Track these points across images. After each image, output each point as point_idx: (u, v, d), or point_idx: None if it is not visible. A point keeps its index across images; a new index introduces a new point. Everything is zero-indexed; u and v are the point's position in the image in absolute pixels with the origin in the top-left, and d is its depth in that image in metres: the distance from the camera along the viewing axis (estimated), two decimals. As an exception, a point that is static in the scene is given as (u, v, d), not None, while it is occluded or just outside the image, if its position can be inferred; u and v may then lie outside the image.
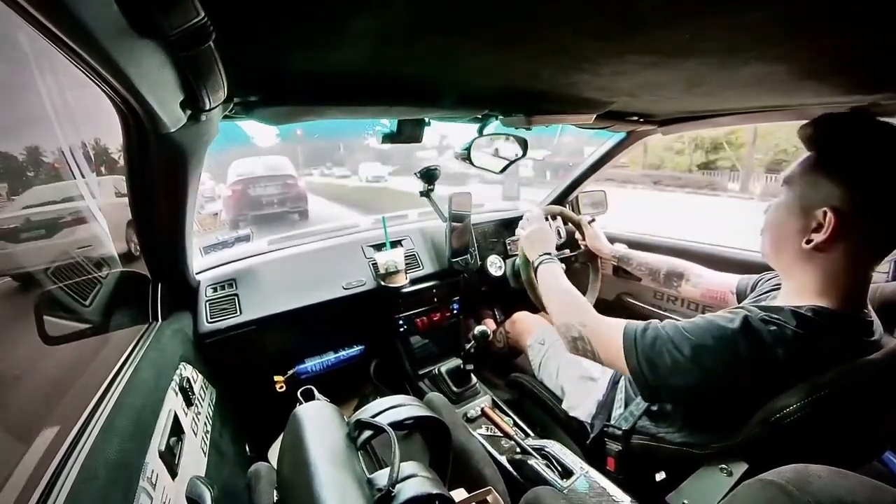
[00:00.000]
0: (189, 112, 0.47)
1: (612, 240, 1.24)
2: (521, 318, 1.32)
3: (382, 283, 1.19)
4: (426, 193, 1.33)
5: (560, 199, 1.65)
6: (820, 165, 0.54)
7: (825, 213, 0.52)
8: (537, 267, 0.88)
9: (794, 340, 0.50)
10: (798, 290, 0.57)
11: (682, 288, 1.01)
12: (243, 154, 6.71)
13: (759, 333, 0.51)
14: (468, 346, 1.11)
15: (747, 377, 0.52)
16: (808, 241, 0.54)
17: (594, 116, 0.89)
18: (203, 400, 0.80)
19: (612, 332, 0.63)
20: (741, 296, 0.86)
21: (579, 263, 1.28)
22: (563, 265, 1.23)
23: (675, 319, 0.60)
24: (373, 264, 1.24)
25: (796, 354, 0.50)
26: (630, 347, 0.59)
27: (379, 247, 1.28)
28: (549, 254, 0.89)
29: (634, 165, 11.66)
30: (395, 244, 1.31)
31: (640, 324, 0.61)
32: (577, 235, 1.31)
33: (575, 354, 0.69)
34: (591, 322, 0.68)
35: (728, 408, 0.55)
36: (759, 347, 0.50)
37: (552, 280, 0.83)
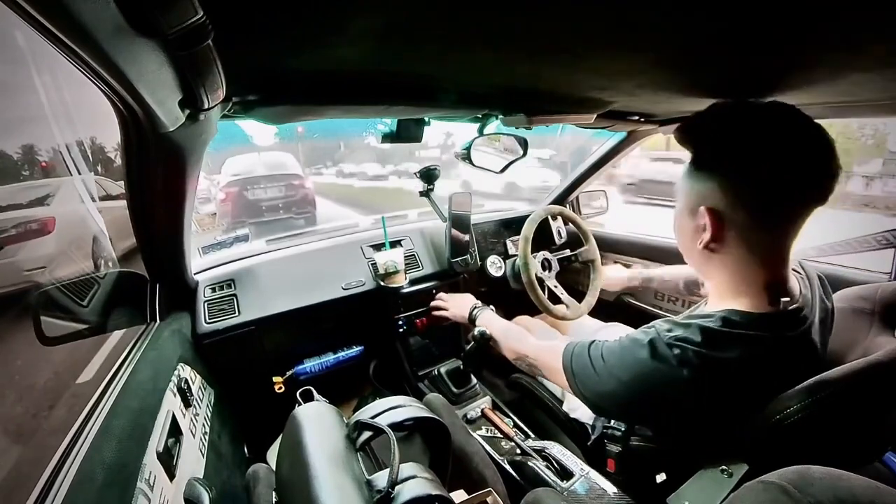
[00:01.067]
0: (188, 111, 0.47)
1: (614, 242, 1.24)
2: (522, 320, 1.32)
3: (382, 283, 1.19)
4: (426, 193, 1.33)
5: (560, 200, 1.65)
6: (693, 165, 0.55)
7: (704, 213, 0.52)
8: (475, 319, 0.98)
9: (696, 359, 0.50)
10: (717, 292, 0.58)
11: (703, 291, 1.03)
12: (243, 153, 5.85)
13: (665, 358, 0.51)
14: (468, 346, 1.11)
15: (668, 399, 0.52)
16: (701, 242, 0.54)
17: (595, 116, 0.89)
18: (201, 401, 0.80)
19: (552, 356, 0.67)
20: None
21: (579, 263, 1.28)
22: (559, 267, 1.24)
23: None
24: (372, 264, 1.24)
25: (703, 371, 0.50)
26: (568, 370, 0.62)
27: (378, 247, 1.28)
28: (476, 305, 1.02)
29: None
30: (395, 244, 1.31)
31: (575, 346, 0.64)
32: (557, 227, 1.33)
33: (535, 376, 0.76)
34: (533, 352, 0.75)
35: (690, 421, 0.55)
36: (667, 371, 0.51)
37: (490, 324, 0.93)
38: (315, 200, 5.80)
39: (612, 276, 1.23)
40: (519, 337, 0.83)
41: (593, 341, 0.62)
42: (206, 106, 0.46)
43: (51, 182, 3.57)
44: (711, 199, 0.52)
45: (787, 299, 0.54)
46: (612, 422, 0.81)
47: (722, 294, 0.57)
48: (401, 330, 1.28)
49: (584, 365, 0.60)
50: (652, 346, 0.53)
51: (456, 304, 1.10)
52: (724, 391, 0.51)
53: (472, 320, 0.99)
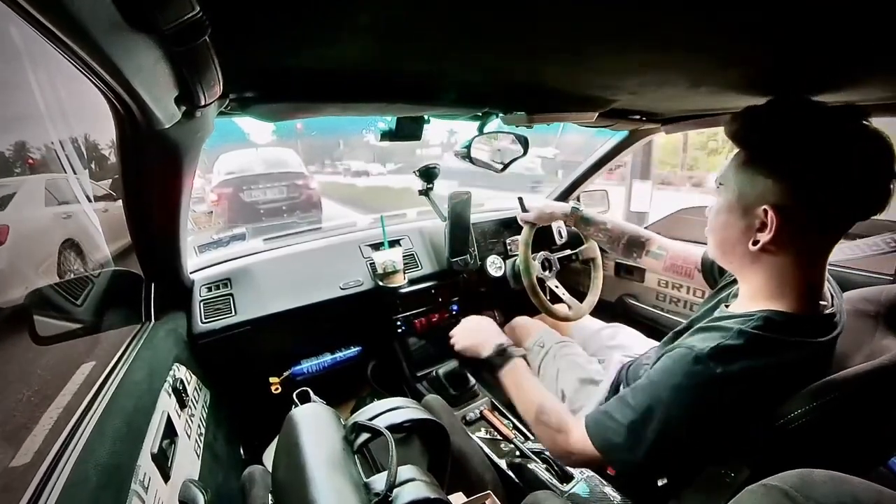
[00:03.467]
0: (184, 108, 0.47)
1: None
2: (521, 322, 1.32)
3: (380, 283, 1.19)
4: (425, 192, 1.33)
5: (561, 199, 1.65)
6: (752, 161, 0.54)
7: (766, 212, 0.51)
8: (500, 367, 0.77)
9: (740, 369, 0.48)
10: (752, 293, 0.57)
11: (642, 259, 0.98)
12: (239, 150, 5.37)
13: (709, 375, 0.49)
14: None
15: (713, 415, 0.51)
16: (755, 242, 0.53)
17: (596, 115, 0.89)
18: (197, 402, 0.80)
19: (583, 443, 0.58)
20: (706, 271, 0.84)
21: (580, 263, 1.29)
22: (559, 266, 1.24)
23: (678, 320, 0.60)
24: (371, 264, 1.23)
25: (749, 381, 0.49)
26: (605, 447, 0.56)
27: (377, 246, 1.28)
28: (502, 345, 0.79)
29: (664, 166, 10.42)
30: (394, 244, 1.31)
31: (597, 417, 0.58)
32: (557, 227, 1.29)
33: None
34: (567, 444, 0.62)
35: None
36: (714, 387, 0.49)
37: (518, 391, 0.73)
38: (321, 202, 5.25)
39: (538, 206, 1.09)
40: (552, 430, 0.65)
41: (605, 405, 0.58)
42: (202, 103, 0.46)
43: (9, 182, 3.10)
44: (774, 197, 0.51)
45: (825, 303, 0.54)
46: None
47: (756, 295, 0.56)
48: (399, 330, 1.28)
49: (618, 427, 0.54)
50: (691, 367, 0.50)
51: (469, 336, 0.87)
52: (764, 397, 0.50)
53: (492, 368, 0.78)
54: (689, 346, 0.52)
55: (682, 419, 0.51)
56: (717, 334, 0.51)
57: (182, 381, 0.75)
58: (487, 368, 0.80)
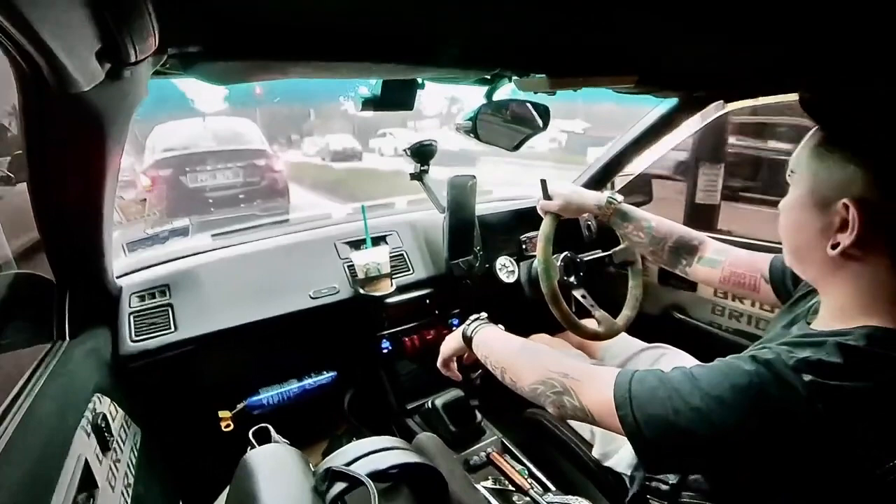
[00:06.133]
0: (108, 66, 0.47)
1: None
2: (539, 339, 1.32)
3: (361, 290, 1.20)
4: (418, 176, 1.33)
5: (593, 185, 1.65)
6: (830, 143, 0.54)
7: (847, 207, 0.51)
8: (471, 338, 0.87)
9: (835, 390, 0.48)
10: (839, 308, 0.56)
11: (692, 268, 0.97)
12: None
13: (790, 386, 0.49)
14: (474, 375, 1.11)
15: (780, 436, 0.50)
16: (835, 246, 0.53)
17: (636, 79, 0.89)
18: (123, 443, 0.80)
19: (602, 380, 0.60)
20: (777, 282, 0.84)
21: (614, 267, 1.29)
22: (588, 271, 1.24)
23: (741, 342, 0.59)
24: (349, 266, 1.24)
25: (844, 404, 0.48)
26: (623, 400, 0.56)
27: (357, 244, 1.28)
28: (476, 318, 0.91)
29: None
30: (378, 241, 1.31)
31: (638, 371, 0.59)
32: (586, 221, 1.28)
33: (564, 417, 0.68)
34: (574, 370, 0.65)
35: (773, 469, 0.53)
36: (791, 403, 0.49)
37: (497, 342, 0.82)
38: (287, 189, 5.15)
39: (565, 193, 1.09)
40: (549, 355, 0.72)
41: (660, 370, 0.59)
42: (132, 59, 0.45)
43: None
44: (857, 188, 0.50)
45: None
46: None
47: (845, 311, 0.55)
48: (385, 351, 1.29)
49: (653, 388, 0.55)
50: (770, 369, 0.50)
51: (449, 337, 0.97)
52: (865, 430, 0.49)
53: (468, 341, 0.88)
54: (774, 351, 0.52)
55: (737, 415, 0.50)
56: (808, 349, 0.51)
57: (105, 417, 0.75)
58: (467, 343, 0.88)
